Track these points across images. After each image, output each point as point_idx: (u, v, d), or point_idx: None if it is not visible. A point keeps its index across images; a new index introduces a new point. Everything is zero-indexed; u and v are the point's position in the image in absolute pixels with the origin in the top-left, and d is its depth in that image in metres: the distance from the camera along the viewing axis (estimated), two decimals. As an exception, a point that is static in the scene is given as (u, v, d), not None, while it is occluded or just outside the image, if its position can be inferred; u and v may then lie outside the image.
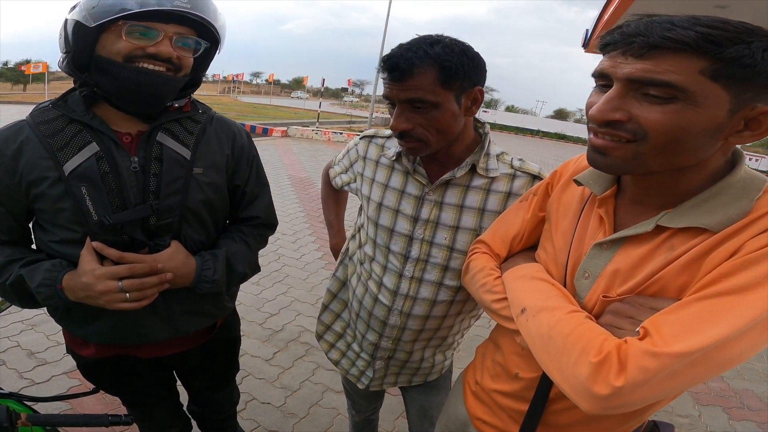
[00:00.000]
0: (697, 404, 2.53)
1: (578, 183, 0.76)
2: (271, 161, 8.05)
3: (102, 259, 0.89)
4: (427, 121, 0.91)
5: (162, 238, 0.94)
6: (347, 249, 1.25)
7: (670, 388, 0.55)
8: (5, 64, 51.81)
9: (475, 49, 0.94)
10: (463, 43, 0.92)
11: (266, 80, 57.07)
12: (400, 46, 0.92)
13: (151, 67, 0.85)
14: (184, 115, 0.99)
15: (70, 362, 2.21)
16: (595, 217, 0.73)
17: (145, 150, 0.92)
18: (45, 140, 0.88)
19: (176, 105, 0.96)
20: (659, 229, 0.64)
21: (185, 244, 0.98)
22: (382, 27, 19.82)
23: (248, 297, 2.98)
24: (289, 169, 7.48)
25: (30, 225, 0.98)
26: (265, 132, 12.42)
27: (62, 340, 2.32)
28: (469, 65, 0.90)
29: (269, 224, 1.19)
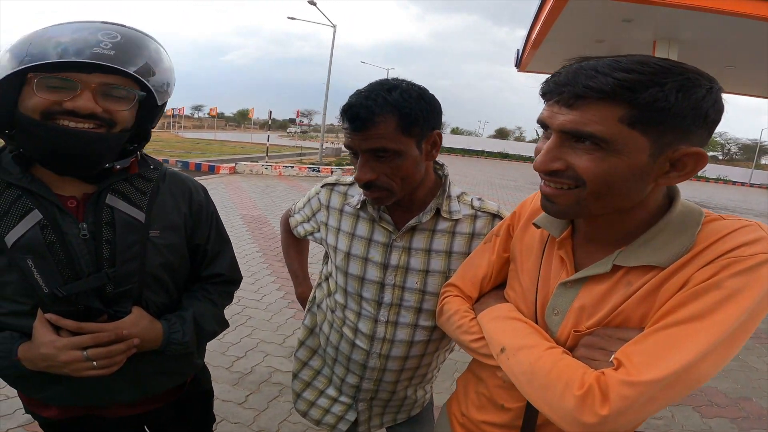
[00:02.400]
0: (668, 406, 2.67)
1: (537, 226, 0.81)
2: (221, 201, 7.88)
3: (58, 329, 0.84)
4: (391, 170, 0.92)
5: (122, 305, 0.90)
6: (314, 297, 1.25)
7: (650, 411, 0.59)
8: None
9: (430, 92, 0.95)
10: (419, 87, 0.94)
11: (208, 114, 55.59)
12: (359, 93, 0.92)
13: (72, 125, 0.76)
14: (134, 174, 0.92)
15: (24, 417, 2.09)
16: (557, 257, 0.77)
17: (95, 215, 0.86)
18: None
19: (117, 167, 0.87)
20: (616, 268, 0.68)
21: (147, 308, 0.95)
22: (327, 54, 20.21)
23: (211, 342, 2.91)
24: (241, 208, 7.36)
25: None
26: (212, 169, 12.07)
27: (12, 393, 2.24)
28: (427, 109, 0.92)
29: (233, 280, 1.16)
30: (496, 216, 1.06)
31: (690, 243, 0.63)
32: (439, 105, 0.97)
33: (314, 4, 17.09)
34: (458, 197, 1.07)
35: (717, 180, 35.50)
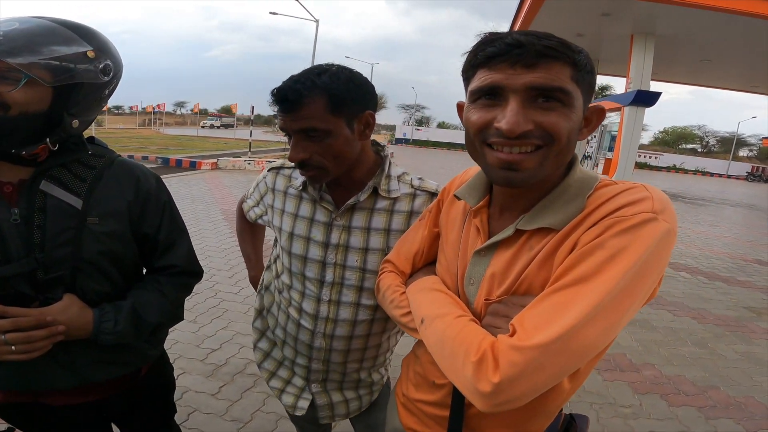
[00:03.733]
0: (635, 393, 2.67)
1: (457, 197, 0.82)
2: (201, 196, 7.83)
3: None
4: (322, 149, 0.94)
5: (53, 291, 0.90)
6: (263, 280, 1.27)
7: (543, 381, 0.57)
8: None
9: (362, 75, 0.98)
10: (350, 70, 0.97)
11: (191, 110, 54.55)
12: (290, 78, 0.94)
13: None
14: (74, 159, 0.93)
15: None
16: (473, 227, 0.78)
17: (27, 200, 0.87)
18: None
19: (24, 153, 0.86)
20: (519, 233, 0.69)
21: (84, 297, 0.94)
22: (311, 49, 20.08)
23: (186, 335, 2.92)
24: (221, 204, 7.31)
25: None
26: (193, 165, 11.93)
27: None
28: (356, 91, 0.94)
29: (191, 272, 1.13)
30: (434, 194, 1.07)
31: (581, 205, 0.65)
32: (372, 87, 0.99)
33: (296, -1, 16.95)
34: (399, 177, 1.09)
35: (695, 172, 36.26)
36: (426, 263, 0.95)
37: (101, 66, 0.89)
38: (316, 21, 18.49)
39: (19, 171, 0.89)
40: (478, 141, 0.67)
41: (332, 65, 0.97)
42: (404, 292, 0.88)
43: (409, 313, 0.82)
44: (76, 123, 0.90)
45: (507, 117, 0.61)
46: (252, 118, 20.20)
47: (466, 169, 0.92)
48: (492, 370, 0.58)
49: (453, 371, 0.64)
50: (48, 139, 0.87)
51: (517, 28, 8.34)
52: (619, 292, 0.57)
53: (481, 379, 0.58)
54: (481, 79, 0.64)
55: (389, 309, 0.91)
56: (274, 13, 19.94)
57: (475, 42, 0.66)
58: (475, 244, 0.76)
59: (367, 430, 1.31)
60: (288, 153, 0.98)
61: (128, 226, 1.00)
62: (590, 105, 0.67)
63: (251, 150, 15.34)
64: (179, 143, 21.35)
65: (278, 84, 0.95)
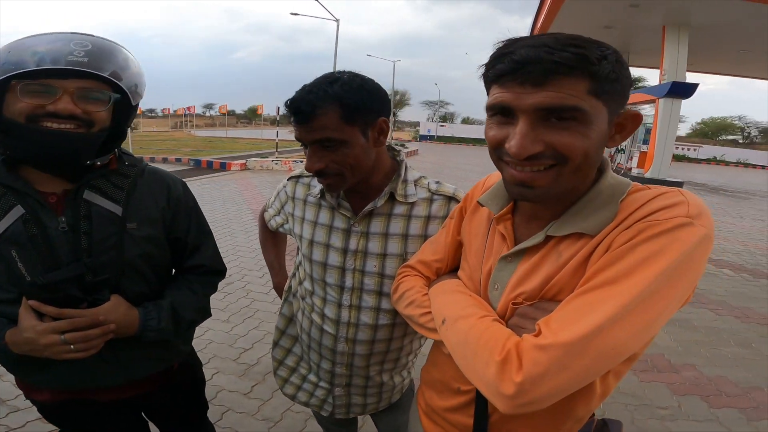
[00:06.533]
0: (674, 395, 2.60)
1: (481, 204, 0.82)
2: (232, 197, 8.00)
3: (41, 315, 0.90)
4: (338, 158, 0.95)
5: (101, 293, 0.96)
6: (290, 287, 1.30)
7: (567, 382, 0.56)
8: None
9: (374, 81, 0.98)
10: (362, 77, 0.97)
11: (219, 111, 55.81)
12: (303, 88, 0.95)
13: (55, 126, 0.84)
14: (112, 171, 0.99)
15: None
16: (498, 234, 0.78)
17: (73, 209, 0.93)
18: None
19: (98, 163, 0.94)
20: (548, 239, 0.69)
21: (126, 297, 1.00)
22: (334, 48, 20.24)
23: (219, 335, 3.00)
24: (251, 204, 7.46)
25: None
26: (223, 167, 12.25)
27: None
28: (369, 99, 0.94)
29: (216, 271, 1.22)
30: (452, 198, 1.07)
31: (615, 210, 0.64)
32: (384, 93, 0.99)
33: (316, -1, 17.07)
34: (416, 181, 1.09)
35: (737, 163, 34.55)
36: (449, 271, 0.95)
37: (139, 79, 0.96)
38: (337, 20, 18.57)
39: (61, 183, 0.94)
40: (494, 157, 0.69)
41: (344, 73, 0.97)
42: (426, 294, 0.88)
43: (429, 313, 0.83)
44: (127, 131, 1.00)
45: (515, 140, 0.61)
46: (278, 119, 20.52)
47: (488, 175, 0.91)
48: (516, 369, 0.57)
49: (475, 372, 0.64)
50: (116, 150, 0.97)
51: (540, 23, 8.11)
52: (649, 296, 0.56)
53: (504, 379, 0.57)
54: (493, 96, 0.64)
55: (406, 309, 0.91)
56: (296, 14, 20.16)
57: (494, 46, 0.65)
58: (501, 250, 0.76)
59: None
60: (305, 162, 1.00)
61: (162, 230, 1.07)
62: (624, 111, 0.64)
63: (278, 150, 15.58)
64: (209, 144, 21.92)
65: (301, 85, 0.96)
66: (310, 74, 0.97)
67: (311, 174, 1.16)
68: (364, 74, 0.99)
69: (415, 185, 1.08)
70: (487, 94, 0.67)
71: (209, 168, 12.42)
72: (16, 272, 0.89)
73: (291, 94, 0.96)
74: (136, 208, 1.01)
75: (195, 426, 1.42)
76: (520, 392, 0.56)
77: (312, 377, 1.28)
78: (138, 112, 1.04)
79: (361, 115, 0.94)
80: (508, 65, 0.60)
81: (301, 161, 13.12)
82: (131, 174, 1.02)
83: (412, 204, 1.06)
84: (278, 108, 19.97)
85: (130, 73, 0.91)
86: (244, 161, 12.70)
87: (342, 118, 0.92)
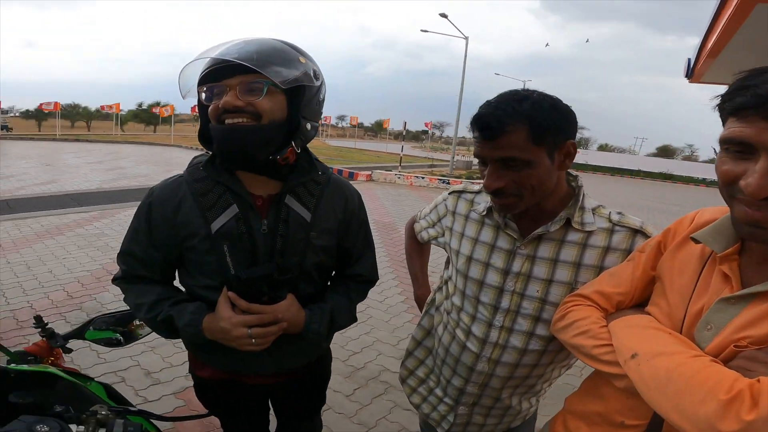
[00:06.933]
0: None
1: (696, 241, 0.76)
2: (357, 205, 8.44)
3: (232, 305, 1.00)
4: (520, 179, 0.91)
5: (281, 291, 1.04)
6: (433, 300, 1.29)
7: None
8: (140, 105, 55.76)
9: (565, 103, 0.94)
10: (552, 97, 0.93)
11: (350, 123, 59.96)
12: (488, 103, 0.92)
13: (230, 121, 0.91)
14: (308, 178, 1.06)
15: (179, 384, 2.50)
16: (718, 273, 0.73)
17: (275, 212, 1.01)
18: (198, 198, 1.00)
19: (279, 158, 0.98)
20: None
21: (298, 296, 1.07)
22: (459, 66, 20.36)
23: (334, 335, 3.14)
24: (374, 214, 7.79)
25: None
26: (351, 176, 13.06)
27: (176, 362, 2.67)
28: (560, 120, 0.90)
29: (371, 281, 1.28)
30: (638, 232, 0.99)
31: None
32: (574, 115, 0.95)
33: (445, 16, 17.31)
34: (594, 210, 1.03)
35: None
36: (632, 306, 0.89)
37: (312, 71, 0.99)
38: (466, 38, 18.53)
39: (267, 186, 1.04)
40: (725, 193, 0.65)
41: (533, 92, 0.93)
42: (604, 326, 0.84)
43: (607, 345, 0.80)
44: (308, 126, 1.02)
45: (754, 178, 0.57)
46: (404, 134, 21.19)
47: (699, 211, 0.86)
48: (747, 408, 0.55)
49: (678, 409, 0.62)
50: (293, 143, 0.99)
51: (712, 42, 7.12)
52: None
53: (728, 416, 0.56)
54: (730, 129, 0.60)
55: (576, 339, 0.86)
56: (425, 31, 20.69)
57: (734, 77, 0.61)
58: (721, 290, 0.71)
59: None
60: (483, 180, 0.97)
61: (335, 240, 1.14)
62: None
63: (401, 164, 16.05)
64: (340, 154, 23.62)
65: (431, 101, 0.99)
66: (434, 91, 1.02)
67: (475, 190, 1.17)
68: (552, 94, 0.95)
69: (593, 213, 1.02)
70: (723, 125, 0.64)
71: (339, 176, 13.29)
72: (224, 265, 1.00)
73: (416, 110, 1.01)
74: (319, 218, 1.07)
75: (310, 417, 1.49)
76: (745, 429, 0.55)
77: (438, 391, 1.26)
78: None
79: (550, 136, 0.90)
80: (751, 99, 0.57)
81: (423, 177, 13.41)
82: (322, 182, 1.09)
83: (590, 233, 1.00)
84: (405, 123, 20.72)
85: (286, 64, 0.93)
86: (369, 172, 13.37)
87: (530, 138, 0.88)
